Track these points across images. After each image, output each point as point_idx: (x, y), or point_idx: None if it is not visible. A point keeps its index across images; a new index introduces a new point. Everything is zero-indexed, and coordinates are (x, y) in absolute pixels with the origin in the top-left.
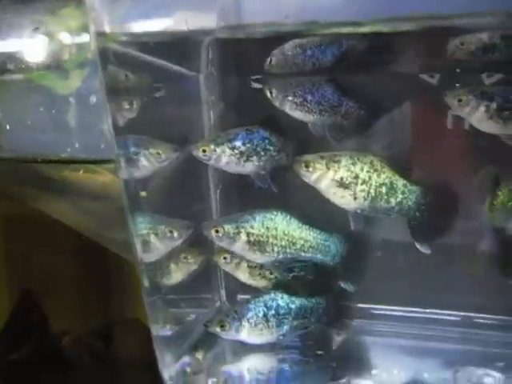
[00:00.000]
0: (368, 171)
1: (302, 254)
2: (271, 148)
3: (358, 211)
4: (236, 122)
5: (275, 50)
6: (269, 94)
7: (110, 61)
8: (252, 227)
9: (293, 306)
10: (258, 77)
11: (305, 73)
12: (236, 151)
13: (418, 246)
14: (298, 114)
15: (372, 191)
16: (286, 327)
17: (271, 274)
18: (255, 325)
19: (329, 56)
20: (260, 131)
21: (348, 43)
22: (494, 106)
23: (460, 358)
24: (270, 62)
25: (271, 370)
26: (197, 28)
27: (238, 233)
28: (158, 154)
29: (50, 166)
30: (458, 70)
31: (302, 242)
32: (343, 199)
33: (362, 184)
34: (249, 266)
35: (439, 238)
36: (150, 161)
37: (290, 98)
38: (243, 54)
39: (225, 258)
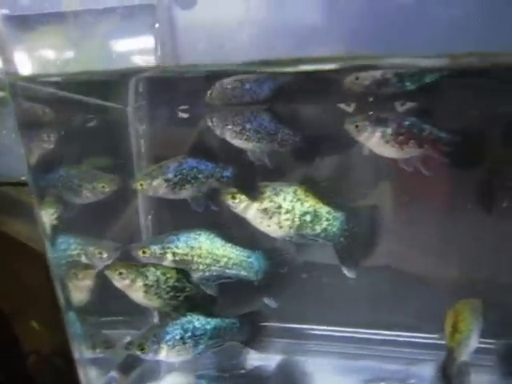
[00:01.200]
0: (291, 201)
1: (227, 270)
2: (200, 176)
3: (286, 239)
4: (166, 149)
5: (216, 84)
6: (210, 123)
7: (21, 96)
8: (177, 247)
9: (208, 327)
10: (185, 107)
11: (243, 105)
12: (170, 182)
13: (344, 270)
14: (237, 142)
15: (296, 219)
16: (201, 346)
17: (167, 294)
18: (173, 347)
19: (265, 90)
20: (189, 161)
21: (282, 79)
22: (388, 131)
23: (372, 374)
24: (211, 94)
25: None
26: (123, 67)
27: (165, 253)
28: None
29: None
30: (370, 99)
31: (226, 259)
32: (269, 228)
33: (285, 213)
34: (145, 285)
35: (365, 261)
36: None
37: (229, 127)
38: (171, 88)
39: (120, 274)
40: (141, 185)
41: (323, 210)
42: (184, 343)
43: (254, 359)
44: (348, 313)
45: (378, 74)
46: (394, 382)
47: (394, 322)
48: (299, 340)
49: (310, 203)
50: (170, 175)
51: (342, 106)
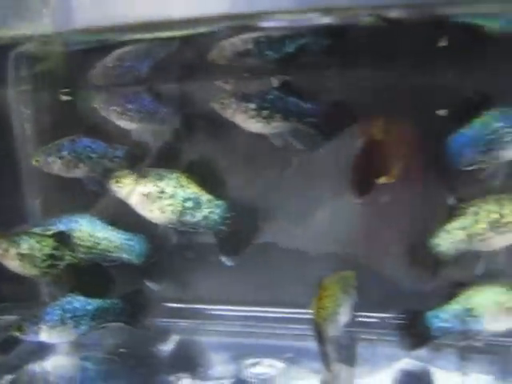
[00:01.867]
0: (174, 186)
1: (108, 253)
2: (93, 155)
3: (168, 225)
4: (54, 132)
5: (98, 63)
6: (96, 105)
7: None
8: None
9: (89, 308)
10: (67, 89)
11: (125, 83)
12: (64, 160)
13: (222, 258)
14: (122, 123)
15: (178, 205)
16: (83, 327)
17: (43, 262)
18: (53, 327)
19: (145, 67)
20: (83, 140)
21: (160, 55)
22: (251, 106)
23: (246, 350)
24: (93, 74)
25: (74, 368)
26: None
27: None
28: None
29: None
30: (246, 75)
31: (107, 242)
32: (152, 213)
33: (168, 198)
34: (19, 253)
35: (244, 250)
36: None
37: (113, 108)
38: (54, 69)
39: None
40: (36, 161)
41: (204, 197)
42: (64, 324)
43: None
44: (233, 291)
45: (238, 42)
46: (277, 358)
47: (278, 299)
48: (188, 320)
49: (192, 190)
50: (64, 153)
51: (220, 83)
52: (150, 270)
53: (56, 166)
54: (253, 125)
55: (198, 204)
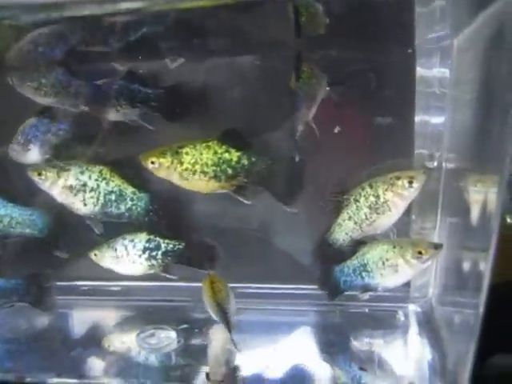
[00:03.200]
0: (96, 180)
1: (11, 230)
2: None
3: (91, 216)
4: None
5: (13, 46)
6: (10, 82)
7: None
8: None
9: None
10: None
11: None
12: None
13: None
14: (38, 99)
15: (101, 198)
16: None
17: None
18: None
19: (58, 52)
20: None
21: (74, 36)
22: None
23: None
24: (9, 56)
25: None
26: None
27: None
28: None
29: None
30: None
31: (8, 218)
32: (74, 205)
33: (90, 191)
34: None
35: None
36: None
37: (28, 84)
38: None
39: None
40: None
41: (129, 190)
42: None
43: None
44: None
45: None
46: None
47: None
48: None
49: (115, 183)
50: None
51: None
52: (54, 242)
53: None
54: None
55: (121, 197)
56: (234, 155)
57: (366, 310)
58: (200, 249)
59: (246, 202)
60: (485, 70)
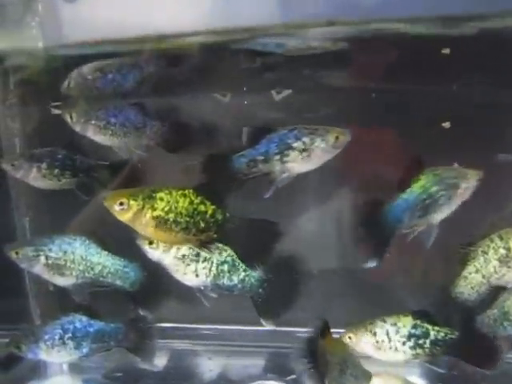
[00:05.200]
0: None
1: (101, 279)
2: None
3: (201, 288)
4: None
5: (73, 73)
6: (69, 119)
7: None
8: (50, 250)
9: (91, 330)
10: (58, 103)
11: (106, 96)
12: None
13: (263, 322)
14: (101, 138)
15: (214, 269)
16: (84, 349)
17: None
18: (52, 346)
19: (130, 80)
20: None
21: (147, 68)
22: (44, 166)
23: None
24: (68, 84)
25: None
26: None
27: (37, 255)
28: None
29: None
30: (245, 89)
31: (101, 267)
32: (185, 276)
33: (203, 261)
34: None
35: (284, 313)
36: None
37: (92, 122)
38: (42, 82)
39: None
40: (12, 165)
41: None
42: (64, 344)
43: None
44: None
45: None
46: None
47: None
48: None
49: (228, 252)
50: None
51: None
52: (143, 297)
53: (31, 174)
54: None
55: (234, 267)
56: (210, 208)
57: None
58: (477, 341)
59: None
60: None
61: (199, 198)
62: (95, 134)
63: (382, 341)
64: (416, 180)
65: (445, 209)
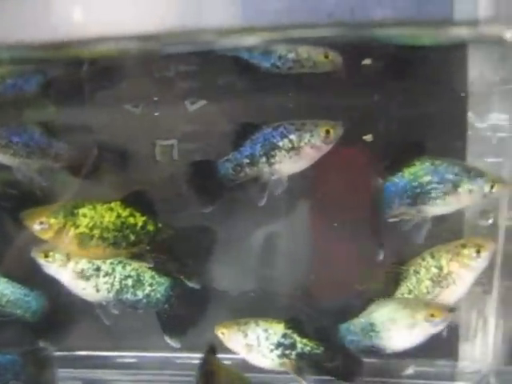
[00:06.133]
0: (112, 263)
1: (0, 308)
2: None
3: (103, 303)
4: None
5: None
6: None
7: None
8: None
9: None
10: None
11: (7, 103)
12: None
13: (167, 339)
14: (0, 158)
15: (116, 283)
16: None
17: None
18: None
19: (33, 85)
20: None
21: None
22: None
23: None
24: None
25: None
26: None
27: None
28: None
29: None
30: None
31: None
32: (85, 291)
33: (105, 276)
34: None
35: (190, 330)
36: None
37: None
38: None
39: None
40: None
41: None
42: None
43: None
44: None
45: None
46: None
47: None
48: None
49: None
50: None
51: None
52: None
53: None
54: None
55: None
56: (140, 220)
57: None
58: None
59: (147, 265)
60: None
61: (128, 210)
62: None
63: (252, 344)
64: (410, 165)
65: (439, 204)
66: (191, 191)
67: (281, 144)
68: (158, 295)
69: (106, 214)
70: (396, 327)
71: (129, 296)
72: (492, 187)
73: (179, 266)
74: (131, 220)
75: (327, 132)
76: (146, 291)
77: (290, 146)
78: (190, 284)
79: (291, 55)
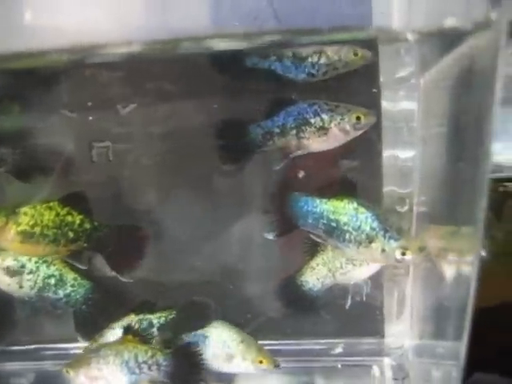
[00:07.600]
0: (36, 262)
1: None
2: None
3: (26, 299)
4: None
5: None
6: None
7: None
8: None
9: None
10: None
11: None
12: None
13: (79, 338)
14: None
15: (39, 281)
16: None
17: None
18: None
19: None
20: None
21: None
22: None
23: None
24: None
25: None
26: None
27: None
28: None
29: None
30: (89, 104)
31: None
32: (9, 287)
33: (29, 273)
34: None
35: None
36: None
37: None
38: None
39: None
40: None
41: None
42: None
43: None
44: None
45: None
46: None
47: None
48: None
49: (56, 266)
50: None
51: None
52: None
53: None
54: None
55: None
56: (77, 218)
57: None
58: None
59: (81, 267)
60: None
61: (65, 209)
62: None
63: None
64: (338, 197)
65: (352, 249)
66: (217, 147)
67: (312, 121)
68: (78, 296)
69: (45, 213)
70: None
71: (50, 294)
72: (403, 254)
73: (113, 263)
74: (69, 218)
75: (358, 118)
76: (67, 291)
77: (320, 124)
78: (123, 279)
79: (323, 60)
